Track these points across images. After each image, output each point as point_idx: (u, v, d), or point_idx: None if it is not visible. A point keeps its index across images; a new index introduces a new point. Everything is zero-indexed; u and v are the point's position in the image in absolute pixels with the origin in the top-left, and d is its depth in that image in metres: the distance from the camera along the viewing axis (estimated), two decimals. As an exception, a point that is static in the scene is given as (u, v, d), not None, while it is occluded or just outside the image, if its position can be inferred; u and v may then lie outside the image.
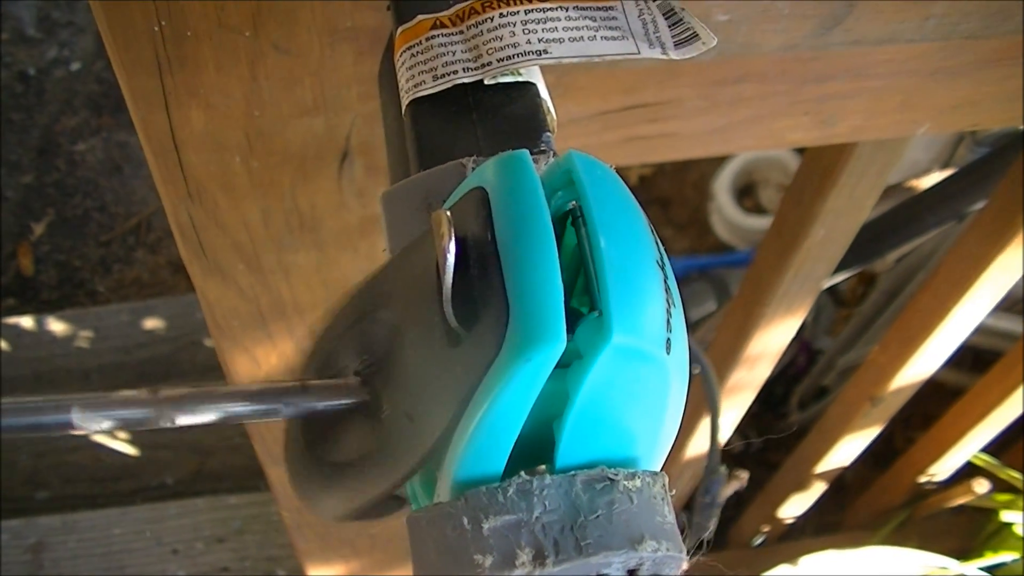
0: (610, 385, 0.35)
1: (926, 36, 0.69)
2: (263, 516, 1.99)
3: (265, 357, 0.85)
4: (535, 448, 0.37)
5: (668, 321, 0.35)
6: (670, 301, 0.36)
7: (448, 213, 0.35)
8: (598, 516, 0.34)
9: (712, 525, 1.31)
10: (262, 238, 0.73)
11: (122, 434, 2.11)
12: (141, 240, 2.55)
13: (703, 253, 2.45)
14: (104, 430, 0.36)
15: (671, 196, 2.56)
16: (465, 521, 0.34)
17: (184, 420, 0.37)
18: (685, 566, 0.37)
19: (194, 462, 2.11)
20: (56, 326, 2.24)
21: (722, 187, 2.42)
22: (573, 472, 0.35)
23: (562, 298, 0.34)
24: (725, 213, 2.41)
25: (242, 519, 2.00)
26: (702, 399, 1.28)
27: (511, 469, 0.35)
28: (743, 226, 2.39)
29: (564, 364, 0.35)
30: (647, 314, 0.35)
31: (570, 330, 0.34)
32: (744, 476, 1.32)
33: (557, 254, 0.35)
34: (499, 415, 0.34)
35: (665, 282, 0.36)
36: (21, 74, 2.78)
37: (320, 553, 1.22)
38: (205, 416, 0.37)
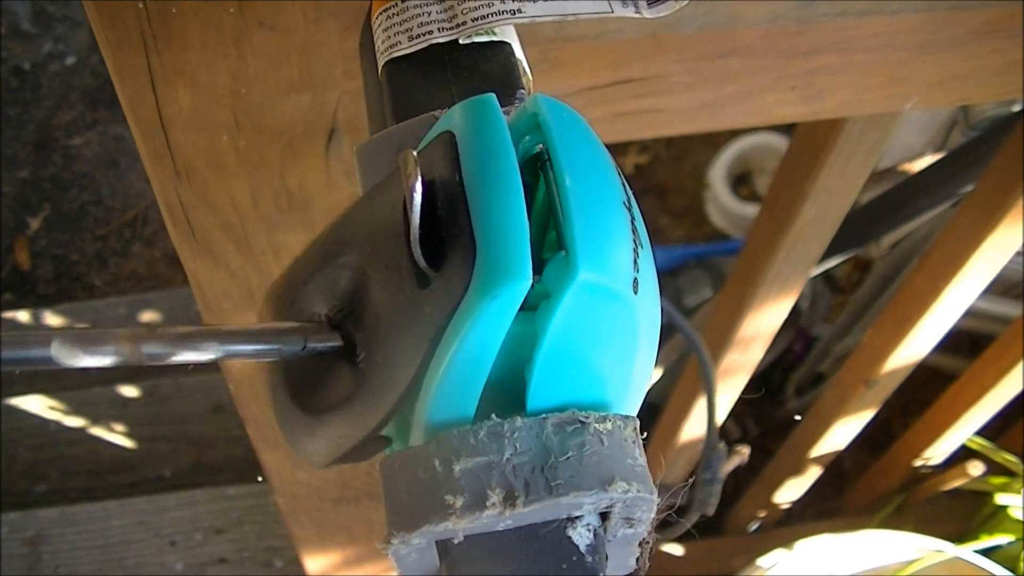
0: (578, 324, 0.35)
1: (911, 6, 0.69)
2: (261, 507, 1.99)
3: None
4: (508, 395, 0.37)
5: (635, 261, 0.36)
6: (637, 242, 0.36)
7: (415, 154, 0.36)
8: (569, 457, 0.34)
9: (714, 500, 1.31)
10: (251, 218, 0.73)
11: (120, 427, 2.11)
12: (137, 233, 2.56)
13: (700, 241, 2.45)
14: (111, 364, 0.36)
15: (667, 185, 2.56)
16: (436, 463, 0.34)
17: (188, 356, 0.37)
18: (654, 513, 0.37)
19: (192, 454, 2.11)
20: (53, 320, 2.24)
21: (718, 175, 2.42)
22: (544, 415, 0.35)
23: (527, 235, 0.34)
24: (721, 201, 2.41)
25: (240, 510, 2.00)
26: (696, 381, 1.29)
27: (485, 415, 0.35)
28: (739, 214, 2.39)
29: (533, 306, 0.35)
30: (613, 252, 0.35)
31: (539, 272, 0.35)
32: (745, 451, 1.33)
33: (523, 192, 0.35)
34: (468, 355, 0.34)
35: (632, 223, 0.36)
36: (16, 69, 2.78)
37: (317, 540, 1.22)
38: (208, 353, 0.37)
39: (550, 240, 0.38)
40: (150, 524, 1.99)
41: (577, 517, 0.35)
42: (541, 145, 0.37)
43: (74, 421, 2.11)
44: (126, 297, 2.31)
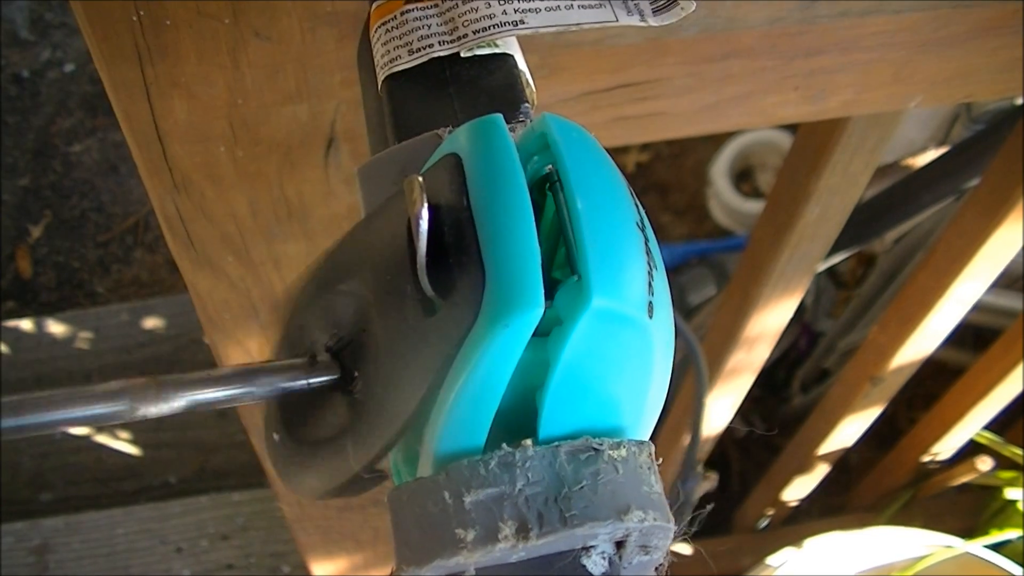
0: (591, 351, 0.34)
1: (912, 5, 0.68)
2: (267, 512, 1.99)
3: (259, 349, 0.85)
4: (519, 422, 0.36)
5: (650, 284, 0.35)
6: (651, 264, 0.36)
7: (420, 179, 0.35)
8: (583, 487, 0.34)
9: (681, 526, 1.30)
10: (251, 229, 0.73)
11: (124, 434, 2.11)
12: (139, 240, 2.55)
13: (702, 238, 2.44)
14: (83, 425, 0.36)
15: (669, 182, 2.56)
16: (447, 495, 0.33)
17: (154, 411, 0.36)
18: (671, 540, 0.36)
19: (197, 460, 2.11)
20: (56, 328, 2.24)
21: (719, 172, 2.42)
22: (556, 443, 0.34)
23: (539, 261, 0.33)
24: (723, 198, 2.41)
25: (246, 516, 2.00)
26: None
27: (495, 444, 0.34)
28: (741, 211, 2.38)
29: (544, 332, 0.34)
30: (628, 276, 0.34)
31: (550, 296, 0.34)
32: (714, 477, 1.33)
33: (533, 217, 0.34)
34: (479, 385, 0.34)
35: (646, 244, 0.36)
36: (15, 76, 2.78)
37: (323, 547, 1.22)
38: (174, 404, 0.37)
39: (559, 260, 0.37)
40: (156, 531, 1.99)
41: (592, 546, 0.35)
42: (550, 166, 0.36)
43: (78, 429, 2.11)
44: (128, 303, 2.31)
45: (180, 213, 0.70)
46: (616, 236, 0.35)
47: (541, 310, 0.33)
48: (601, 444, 0.35)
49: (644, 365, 0.36)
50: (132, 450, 2.11)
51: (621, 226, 0.35)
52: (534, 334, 0.33)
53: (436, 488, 0.34)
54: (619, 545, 0.35)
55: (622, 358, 0.35)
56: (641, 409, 0.37)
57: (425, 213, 0.34)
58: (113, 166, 2.64)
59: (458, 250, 0.34)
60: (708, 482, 1.33)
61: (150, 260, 2.52)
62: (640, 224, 0.36)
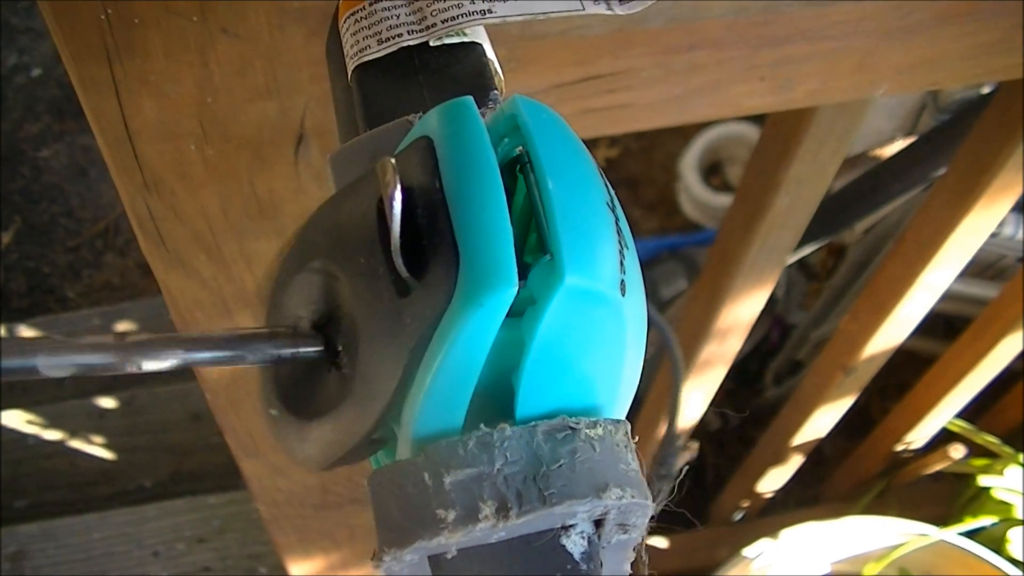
0: (565, 329, 0.35)
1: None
2: (243, 514, 1.99)
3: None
4: (497, 403, 0.36)
5: (621, 263, 0.35)
6: (622, 243, 0.36)
7: (393, 161, 0.35)
8: (560, 465, 0.34)
9: (661, 497, 1.31)
10: (222, 227, 0.73)
11: (98, 438, 2.10)
12: (109, 244, 2.54)
13: (672, 232, 2.45)
14: (69, 375, 0.35)
15: (639, 177, 2.56)
16: (426, 476, 0.34)
17: (149, 365, 0.36)
18: (648, 518, 0.36)
19: (172, 463, 2.11)
20: (27, 334, 2.23)
21: (689, 166, 2.43)
22: (534, 423, 0.35)
23: (512, 241, 0.33)
24: (693, 192, 2.42)
25: (222, 518, 1.99)
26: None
27: (474, 425, 0.35)
28: (711, 204, 2.39)
29: (519, 312, 0.35)
30: (600, 255, 0.35)
31: (523, 277, 0.34)
32: (695, 446, 1.33)
33: (505, 197, 0.34)
34: (455, 365, 0.34)
35: (617, 224, 0.36)
36: (-19, 82, 2.77)
37: (299, 546, 1.22)
38: (170, 360, 0.37)
39: (531, 243, 0.37)
40: (132, 535, 1.99)
41: (571, 525, 0.35)
42: (521, 148, 0.37)
43: (52, 434, 2.10)
44: (100, 308, 2.31)
45: (151, 212, 0.70)
46: (587, 215, 0.35)
47: (515, 289, 0.33)
48: (578, 423, 0.35)
49: (617, 343, 0.36)
50: (106, 454, 2.10)
51: (592, 205, 0.36)
52: (509, 314, 0.34)
53: (416, 469, 0.34)
54: (598, 524, 0.36)
55: (596, 336, 0.36)
56: (616, 388, 0.38)
57: (398, 195, 0.34)
58: (82, 170, 2.63)
59: (431, 231, 0.35)
60: (689, 452, 1.33)
61: (121, 264, 2.51)
62: (611, 204, 0.36)
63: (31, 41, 2.82)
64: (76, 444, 2.10)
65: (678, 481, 1.30)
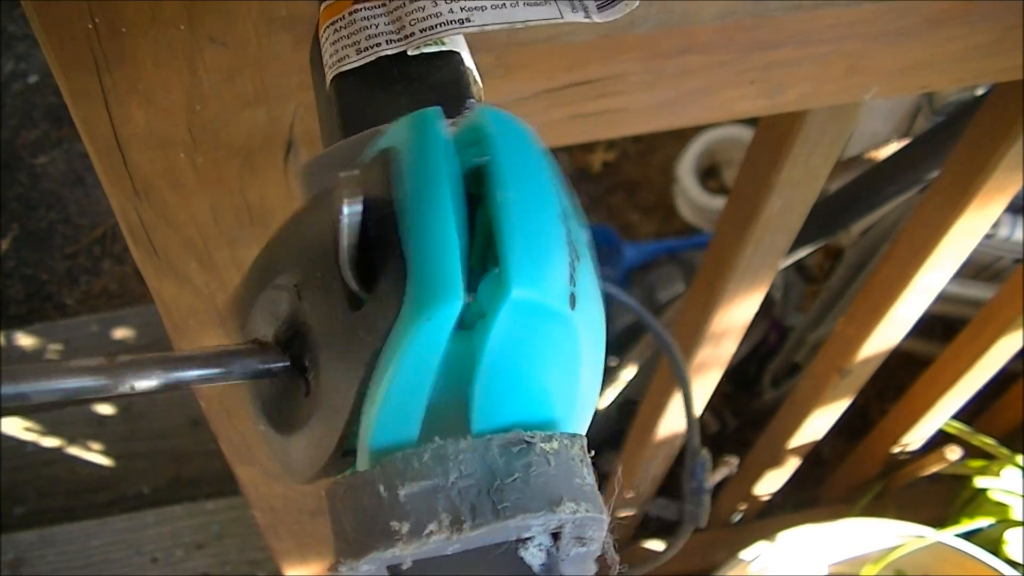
0: (515, 343, 0.35)
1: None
2: (242, 520, 1.99)
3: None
4: (454, 417, 0.36)
5: (571, 276, 0.35)
6: (575, 255, 0.36)
7: (345, 175, 0.35)
8: (515, 479, 0.34)
9: (703, 511, 1.31)
10: (213, 234, 0.73)
11: (96, 445, 2.10)
12: (107, 250, 2.54)
13: (670, 236, 2.45)
14: (59, 400, 0.36)
15: (636, 180, 2.56)
16: (381, 488, 0.34)
17: (141, 385, 0.37)
18: (605, 531, 0.36)
19: (170, 470, 2.11)
20: (25, 341, 2.23)
21: (686, 170, 2.43)
22: (489, 436, 0.35)
23: (458, 252, 0.33)
24: (690, 195, 2.42)
25: (221, 524, 1.99)
26: (670, 377, 1.28)
27: (430, 439, 0.35)
28: (708, 207, 2.39)
29: (471, 325, 0.35)
30: (547, 267, 0.34)
31: (475, 288, 0.34)
32: (734, 461, 1.33)
33: (454, 208, 0.34)
34: (406, 377, 0.34)
35: (569, 236, 0.36)
36: (-22, 89, 2.77)
37: (297, 552, 1.22)
38: (156, 380, 0.37)
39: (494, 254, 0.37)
40: (131, 542, 1.99)
41: (528, 538, 0.35)
42: (487, 158, 0.37)
43: (50, 441, 2.10)
44: (98, 315, 2.30)
45: (142, 220, 0.70)
46: (537, 227, 0.35)
47: (461, 302, 0.33)
48: (533, 437, 0.35)
49: (571, 356, 0.37)
50: (105, 461, 2.10)
51: (542, 217, 0.35)
52: (461, 327, 0.34)
53: (371, 481, 0.34)
54: (555, 537, 0.36)
55: (547, 350, 0.36)
56: (573, 401, 0.38)
57: (346, 209, 0.34)
58: (79, 177, 2.63)
59: (381, 244, 0.35)
60: (727, 467, 1.33)
61: (119, 271, 2.51)
62: (563, 215, 0.36)
63: (28, 48, 2.83)
64: (75, 451, 2.10)
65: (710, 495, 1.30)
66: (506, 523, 0.33)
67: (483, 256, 0.36)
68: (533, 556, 0.35)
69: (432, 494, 0.33)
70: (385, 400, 0.34)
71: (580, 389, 0.38)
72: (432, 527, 0.33)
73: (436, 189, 0.34)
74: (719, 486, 1.92)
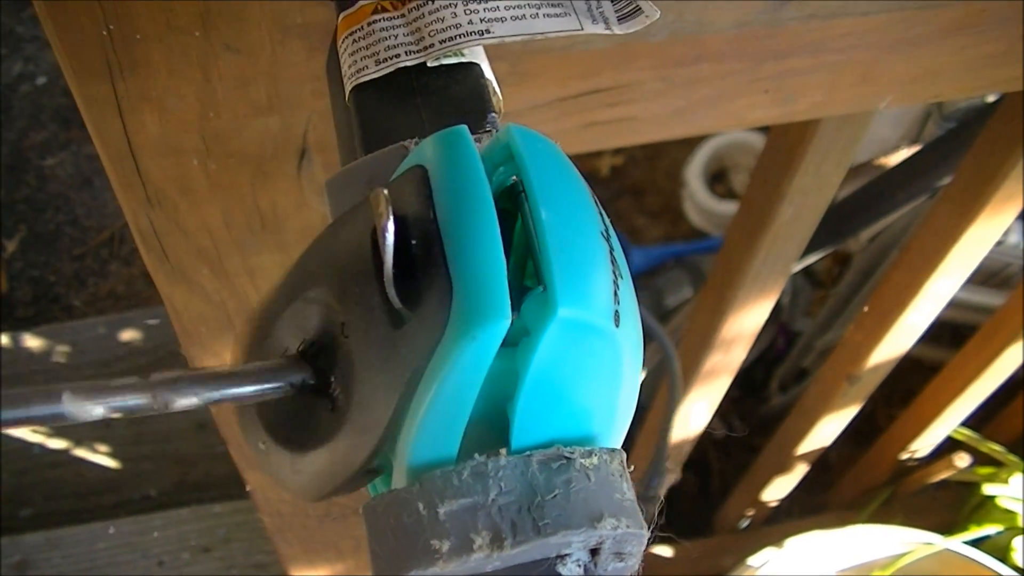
0: (559, 360, 0.34)
1: (879, 7, 0.69)
2: (249, 524, 1.99)
3: (236, 361, 0.85)
4: (492, 433, 0.36)
5: (615, 293, 0.35)
6: (617, 273, 0.36)
7: (385, 191, 0.35)
8: (555, 496, 0.34)
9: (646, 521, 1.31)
10: (225, 241, 0.73)
11: (103, 448, 2.10)
12: (115, 253, 2.54)
13: (678, 240, 2.45)
14: (97, 417, 0.36)
15: (644, 185, 2.56)
16: (421, 506, 0.34)
17: (180, 404, 0.37)
18: (644, 546, 0.36)
19: (177, 473, 2.10)
20: (32, 342, 2.23)
21: (694, 174, 2.42)
22: (529, 452, 0.35)
23: (505, 273, 0.33)
24: (698, 199, 2.41)
25: (227, 527, 1.99)
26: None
27: (469, 454, 0.35)
28: (716, 212, 2.39)
29: (513, 342, 0.34)
30: (593, 286, 0.34)
31: (518, 307, 0.34)
32: (676, 470, 1.33)
33: (498, 228, 0.34)
34: (449, 396, 0.34)
35: (611, 253, 0.36)
36: (-13, 91, 2.77)
37: (304, 556, 1.22)
38: (196, 398, 0.37)
39: (531, 269, 0.37)
40: (137, 545, 1.98)
41: (567, 554, 0.35)
42: (516, 176, 0.37)
43: (57, 444, 2.10)
44: (105, 317, 2.30)
45: (154, 227, 0.70)
46: (581, 246, 0.35)
47: (508, 321, 0.33)
48: (573, 453, 0.35)
49: (613, 373, 0.36)
50: (112, 464, 2.10)
51: (586, 236, 0.35)
52: (504, 344, 0.33)
53: (410, 499, 0.34)
54: (594, 552, 0.36)
55: (590, 367, 0.35)
56: (612, 417, 0.37)
57: (391, 226, 0.34)
58: (87, 179, 2.64)
59: (425, 262, 0.34)
60: (671, 475, 1.33)
61: (126, 273, 2.51)
62: (605, 233, 0.36)
63: (37, 50, 2.83)
64: (81, 453, 2.10)
65: (659, 508, 1.30)
66: (547, 540, 0.33)
67: (517, 273, 0.36)
68: (570, 572, 0.35)
69: (472, 512, 0.33)
70: (426, 418, 0.34)
71: (620, 404, 0.37)
72: (472, 545, 0.33)
73: (480, 208, 0.34)
74: (725, 492, 1.92)
